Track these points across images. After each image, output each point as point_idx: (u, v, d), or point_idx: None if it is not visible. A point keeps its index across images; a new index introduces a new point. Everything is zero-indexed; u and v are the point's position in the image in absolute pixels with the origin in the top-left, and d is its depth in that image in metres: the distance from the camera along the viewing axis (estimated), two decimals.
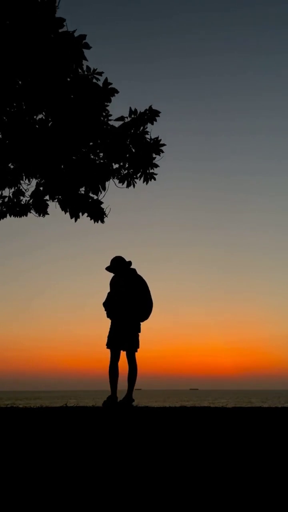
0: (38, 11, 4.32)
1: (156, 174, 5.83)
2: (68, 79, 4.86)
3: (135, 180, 5.93)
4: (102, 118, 5.33)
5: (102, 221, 6.08)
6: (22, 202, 6.27)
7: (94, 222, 6.06)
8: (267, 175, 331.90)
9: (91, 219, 6.06)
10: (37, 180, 5.95)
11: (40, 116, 5.20)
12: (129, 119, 5.46)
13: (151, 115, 5.44)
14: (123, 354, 5.92)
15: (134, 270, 6.10)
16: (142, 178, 5.85)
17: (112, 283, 6.11)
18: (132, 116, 5.45)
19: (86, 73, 4.92)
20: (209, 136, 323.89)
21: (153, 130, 5.60)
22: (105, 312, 6.04)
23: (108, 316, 6.01)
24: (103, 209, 6.05)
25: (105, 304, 6.03)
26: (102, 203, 6.01)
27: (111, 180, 5.92)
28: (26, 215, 6.34)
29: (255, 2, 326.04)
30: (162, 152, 5.68)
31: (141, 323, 5.98)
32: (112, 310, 5.96)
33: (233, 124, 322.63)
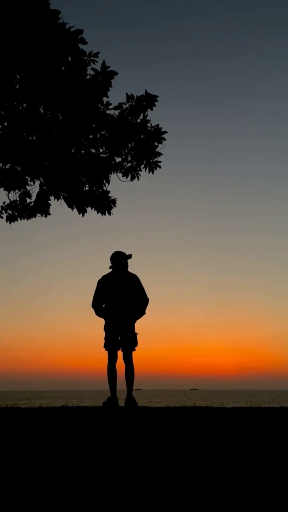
0: (32, 2, 4.29)
1: (160, 162, 5.71)
2: (64, 68, 4.78)
3: (139, 172, 5.84)
4: (101, 107, 5.23)
5: (110, 213, 6.00)
6: (31, 205, 6.23)
7: (102, 215, 5.98)
8: (266, 177, 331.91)
9: (98, 212, 5.98)
10: (40, 180, 5.93)
11: (39, 110, 5.17)
12: (127, 105, 5.35)
13: (148, 100, 5.32)
14: (120, 355, 5.88)
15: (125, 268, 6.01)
16: (147, 169, 5.73)
17: (104, 282, 5.95)
18: (130, 101, 5.33)
19: (83, 57, 4.85)
20: (211, 138, 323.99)
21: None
22: (97, 315, 5.93)
23: (103, 317, 5.93)
24: (110, 197, 5.94)
25: (95, 307, 5.94)
26: (109, 192, 5.92)
27: (114, 175, 5.82)
28: (35, 217, 6.30)
29: (255, 5, 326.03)
30: (164, 139, 5.56)
31: (139, 323, 5.96)
32: (105, 311, 5.87)
33: (235, 126, 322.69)
